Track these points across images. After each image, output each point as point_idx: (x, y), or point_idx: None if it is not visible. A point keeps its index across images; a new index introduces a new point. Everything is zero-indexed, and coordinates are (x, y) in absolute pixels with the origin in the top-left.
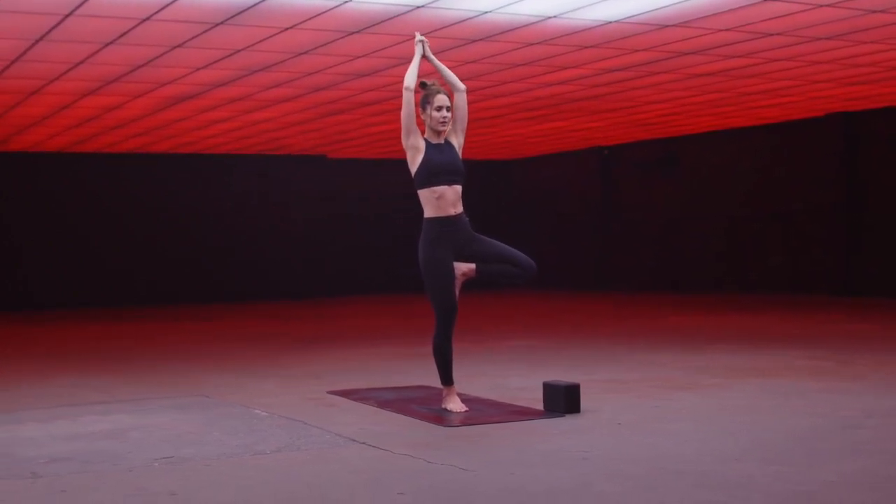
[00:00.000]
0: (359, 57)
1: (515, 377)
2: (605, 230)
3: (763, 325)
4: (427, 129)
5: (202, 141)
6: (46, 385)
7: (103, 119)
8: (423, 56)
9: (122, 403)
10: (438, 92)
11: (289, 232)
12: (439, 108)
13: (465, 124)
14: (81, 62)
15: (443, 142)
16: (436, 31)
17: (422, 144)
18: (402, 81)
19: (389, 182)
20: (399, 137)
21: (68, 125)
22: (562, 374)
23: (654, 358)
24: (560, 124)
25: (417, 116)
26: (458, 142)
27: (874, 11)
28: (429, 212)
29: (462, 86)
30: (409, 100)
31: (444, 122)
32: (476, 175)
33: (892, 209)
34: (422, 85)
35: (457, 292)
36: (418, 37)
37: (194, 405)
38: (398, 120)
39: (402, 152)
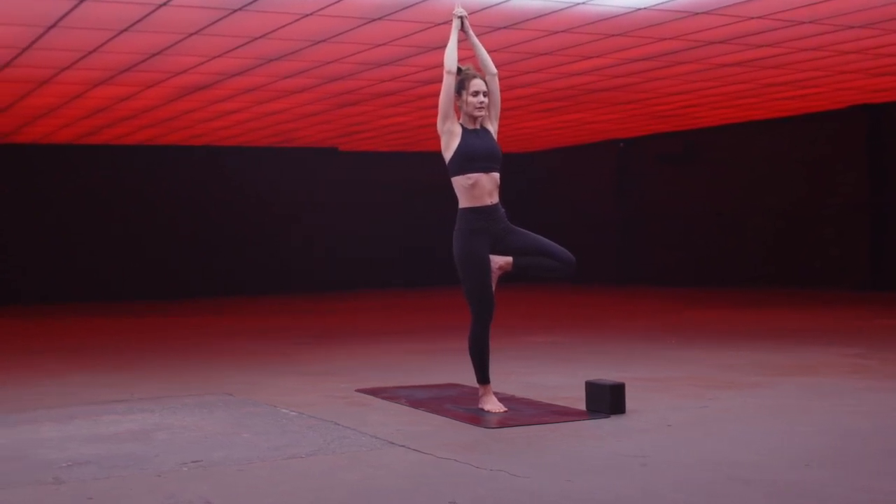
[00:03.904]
0: (378, 45)
1: (548, 375)
2: (622, 224)
3: (790, 320)
4: (462, 115)
5: (212, 133)
6: (59, 383)
7: (114, 110)
8: (462, 30)
9: (142, 402)
10: (474, 76)
11: (299, 225)
12: (476, 94)
13: (499, 110)
14: (94, 50)
15: (479, 127)
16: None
17: (458, 129)
18: (424, 70)
19: (401, 175)
20: (414, 129)
21: (78, 116)
22: (594, 372)
23: (687, 355)
24: (576, 116)
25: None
26: (493, 128)
27: None
28: (464, 201)
29: (494, 69)
30: (449, 83)
31: (481, 107)
32: None
33: None
34: (457, 70)
35: (493, 286)
36: (458, 10)
37: (219, 404)
38: (413, 112)
39: (414, 145)
